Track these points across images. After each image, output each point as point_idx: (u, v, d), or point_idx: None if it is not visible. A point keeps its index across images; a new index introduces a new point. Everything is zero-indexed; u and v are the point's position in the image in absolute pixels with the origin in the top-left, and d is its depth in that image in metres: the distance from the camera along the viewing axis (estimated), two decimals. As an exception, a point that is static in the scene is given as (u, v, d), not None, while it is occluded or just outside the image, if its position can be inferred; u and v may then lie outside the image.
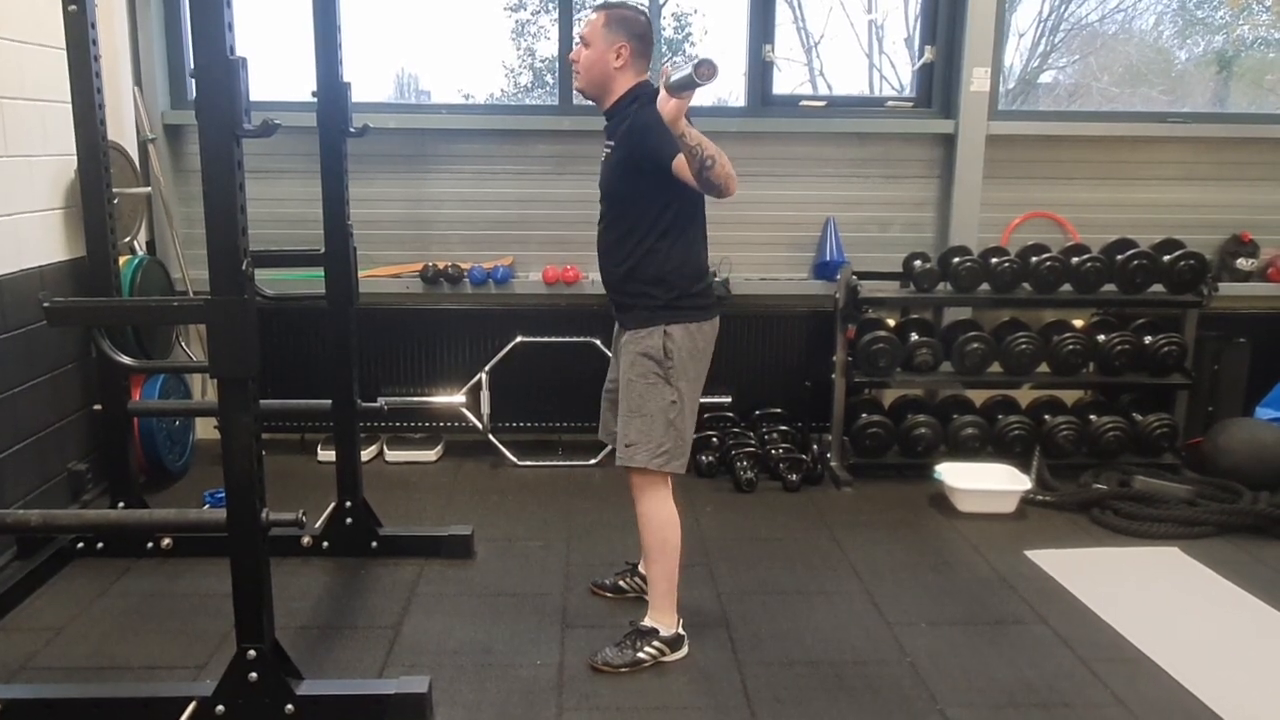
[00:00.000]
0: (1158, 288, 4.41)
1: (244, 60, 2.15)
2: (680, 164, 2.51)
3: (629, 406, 2.77)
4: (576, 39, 2.82)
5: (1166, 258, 4.36)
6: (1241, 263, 4.77)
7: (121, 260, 3.75)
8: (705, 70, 2.19)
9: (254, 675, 2.42)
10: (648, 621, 2.83)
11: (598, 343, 4.51)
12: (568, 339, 4.57)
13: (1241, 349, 4.60)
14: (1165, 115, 4.84)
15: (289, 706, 2.44)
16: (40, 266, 3.56)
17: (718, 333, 2.85)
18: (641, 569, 3.12)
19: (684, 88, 2.28)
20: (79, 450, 3.84)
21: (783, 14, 4.78)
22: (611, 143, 2.79)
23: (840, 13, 5.29)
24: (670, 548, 2.81)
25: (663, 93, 2.33)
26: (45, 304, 2.38)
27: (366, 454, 4.51)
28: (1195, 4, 5.68)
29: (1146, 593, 3.35)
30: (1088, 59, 6.01)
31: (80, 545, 3.45)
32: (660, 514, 2.79)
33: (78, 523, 3.25)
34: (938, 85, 4.73)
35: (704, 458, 4.39)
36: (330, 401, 3.47)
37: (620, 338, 2.85)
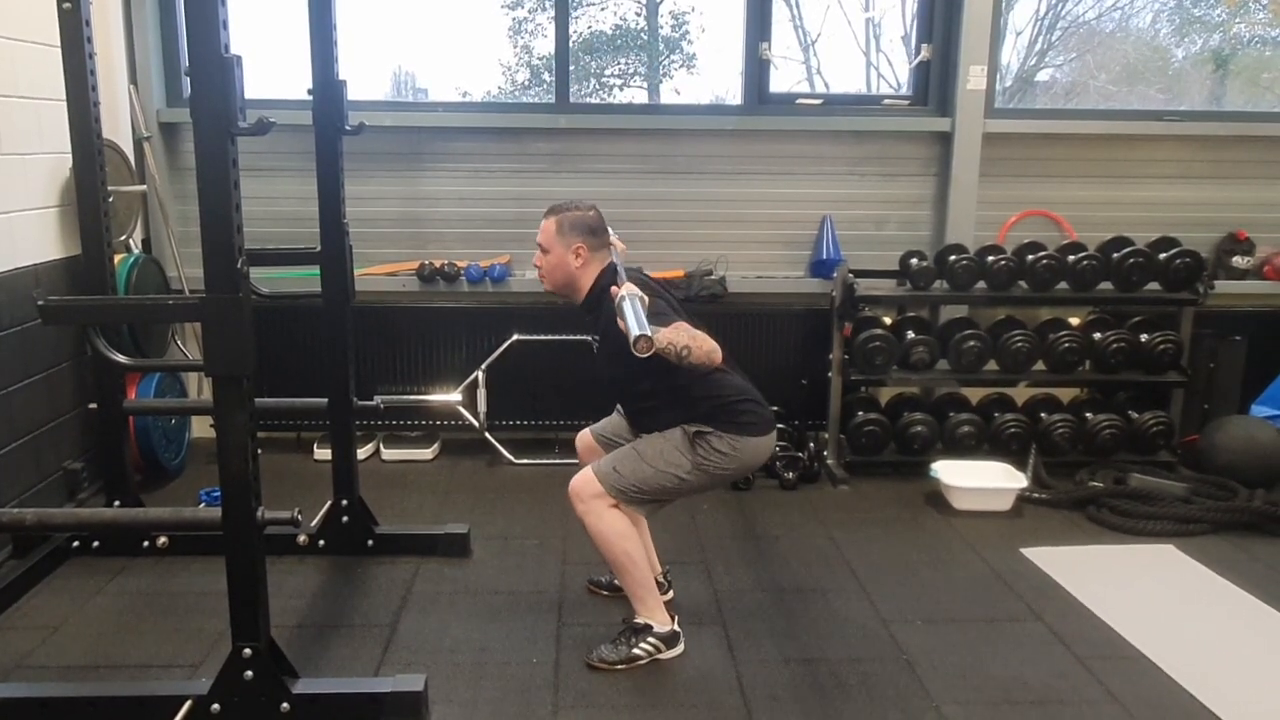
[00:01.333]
0: (1154, 286, 4.41)
1: (239, 58, 2.14)
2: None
3: (646, 446, 2.77)
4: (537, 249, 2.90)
5: (1162, 256, 4.37)
6: (1237, 260, 4.77)
7: (117, 258, 3.74)
8: (642, 345, 2.31)
9: (250, 674, 2.41)
10: (640, 618, 2.83)
11: (594, 340, 4.50)
12: (564, 337, 4.57)
13: (1237, 347, 4.61)
14: (1161, 113, 4.85)
15: (285, 705, 2.44)
16: (35, 265, 3.56)
17: (769, 452, 2.87)
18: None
19: (624, 330, 2.39)
20: (74, 449, 3.83)
21: (780, 12, 4.78)
22: (598, 335, 2.86)
23: (837, 11, 5.29)
24: (634, 557, 2.79)
25: (617, 315, 2.44)
26: (40, 302, 2.38)
27: (363, 452, 4.51)
28: (1192, 2, 5.68)
29: (1142, 590, 3.36)
30: (1085, 57, 6.00)
31: (76, 544, 3.44)
32: (613, 529, 2.75)
33: (73, 521, 3.25)
34: (934, 83, 4.73)
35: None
36: (326, 400, 3.47)
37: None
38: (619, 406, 3.05)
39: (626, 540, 2.76)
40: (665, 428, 2.79)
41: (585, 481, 2.75)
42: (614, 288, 2.55)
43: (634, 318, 2.37)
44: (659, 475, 2.73)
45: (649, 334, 2.32)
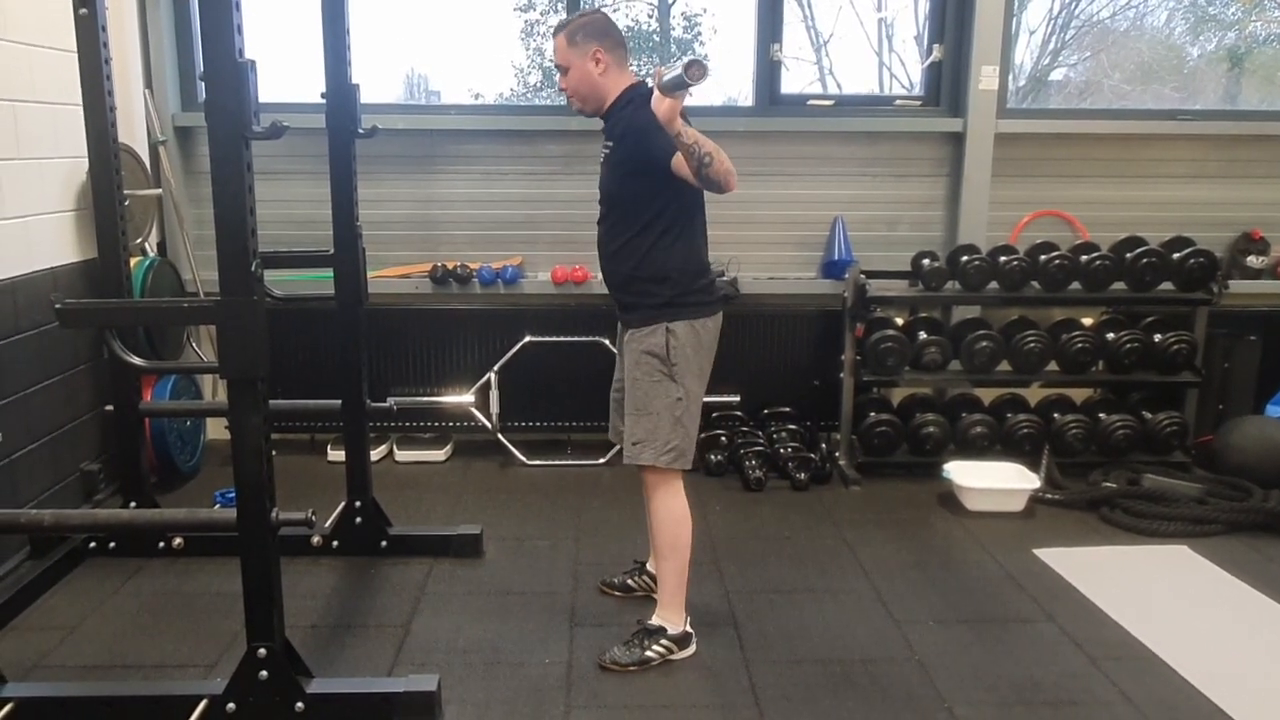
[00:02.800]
0: (1167, 286, 4.39)
1: (253, 63, 2.16)
2: (679, 162, 2.52)
3: (635, 405, 2.77)
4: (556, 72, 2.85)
5: (1176, 255, 4.35)
6: (1252, 260, 4.75)
7: (133, 261, 3.76)
8: (695, 71, 2.22)
9: (264, 674, 2.43)
10: (655, 620, 2.84)
11: (606, 342, 4.52)
12: (576, 338, 4.58)
13: (1252, 347, 4.59)
14: (1175, 112, 4.83)
15: (299, 705, 2.45)
16: (52, 268, 3.59)
17: (721, 328, 2.86)
18: (650, 567, 3.13)
19: (675, 88, 2.30)
20: (91, 450, 3.86)
21: (791, 13, 4.78)
22: (610, 143, 2.81)
23: (849, 11, 5.29)
24: (681, 545, 2.82)
25: (656, 93, 2.35)
26: (57, 305, 2.40)
27: (376, 454, 4.52)
28: (1207, 0, 5.66)
29: (1156, 591, 3.34)
30: (1099, 56, 5.98)
31: (92, 545, 3.47)
32: (674, 511, 2.80)
33: (90, 522, 3.28)
34: (946, 84, 4.72)
35: (713, 456, 4.40)
36: (340, 402, 3.49)
37: (624, 337, 2.86)
38: (606, 280, 2.95)
39: (681, 526, 2.81)
40: (642, 324, 2.75)
41: (651, 474, 2.80)
42: (657, 69, 2.44)
43: (678, 67, 2.28)
44: (662, 414, 2.73)
45: (701, 58, 2.24)
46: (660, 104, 2.35)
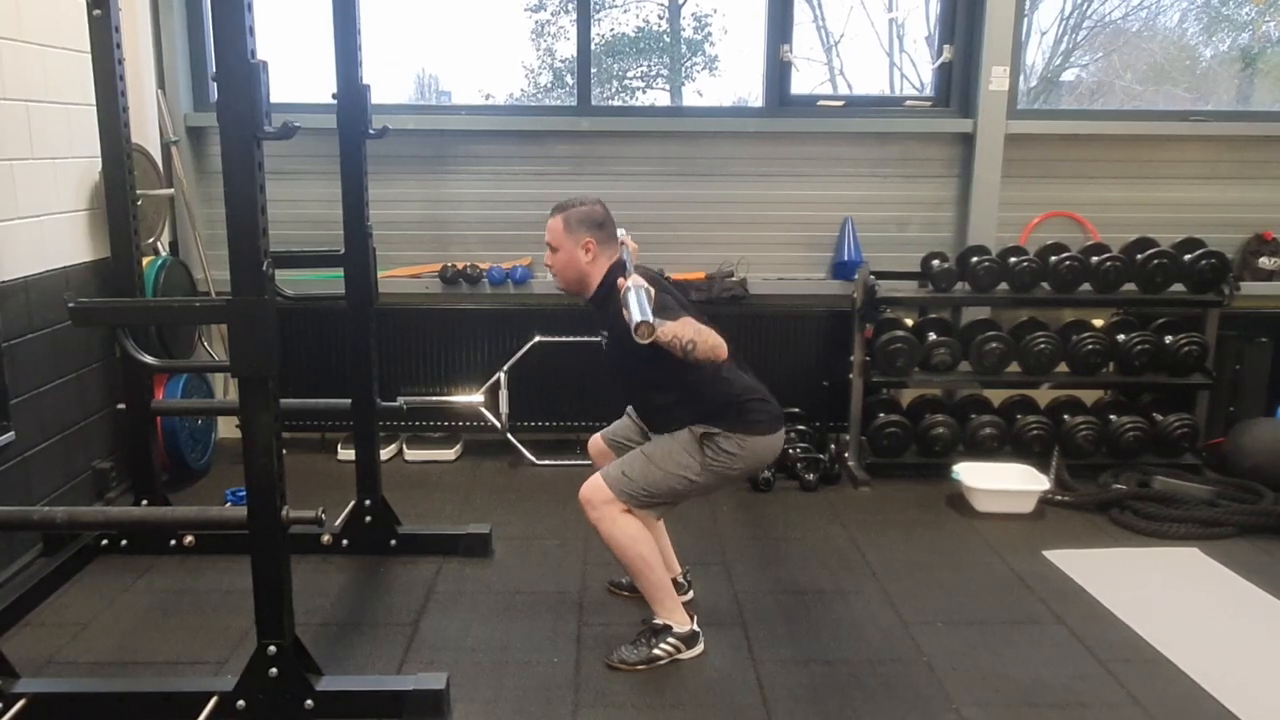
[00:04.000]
0: (1178, 287, 4.38)
1: (265, 63, 2.17)
2: None
3: (654, 449, 2.79)
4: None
5: (1187, 257, 4.33)
6: (1264, 262, 4.73)
7: (145, 261, 3.79)
8: (643, 331, 2.37)
9: (274, 671, 2.44)
10: (660, 619, 2.84)
11: (603, 337, 4.52)
12: (586, 339, 4.58)
13: (1263, 349, 4.57)
14: (1186, 113, 4.81)
15: (309, 702, 2.47)
16: (65, 267, 3.61)
17: (778, 450, 2.89)
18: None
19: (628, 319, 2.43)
20: (103, 448, 3.89)
21: (802, 13, 4.78)
22: (606, 331, 2.87)
23: (860, 12, 5.29)
24: (649, 559, 2.80)
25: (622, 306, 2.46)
26: (70, 304, 2.42)
27: (386, 453, 4.54)
28: (1220, 1, 5.63)
29: (1166, 594, 3.33)
30: (1110, 57, 5.96)
31: (104, 542, 3.49)
32: (625, 534, 2.76)
33: (102, 520, 3.27)
34: (956, 84, 4.72)
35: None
36: (350, 401, 3.50)
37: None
38: (629, 408, 3.07)
39: (640, 544, 2.77)
40: (674, 426, 2.80)
41: (595, 488, 2.77)
42: (621, 280, 2.56)
43: (637, 306, 2.41)
44: (668, 478, 2.74)
45: (651, 320, 2.36)
46: (625, 315, 2.45)
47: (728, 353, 2.59)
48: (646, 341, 2.39)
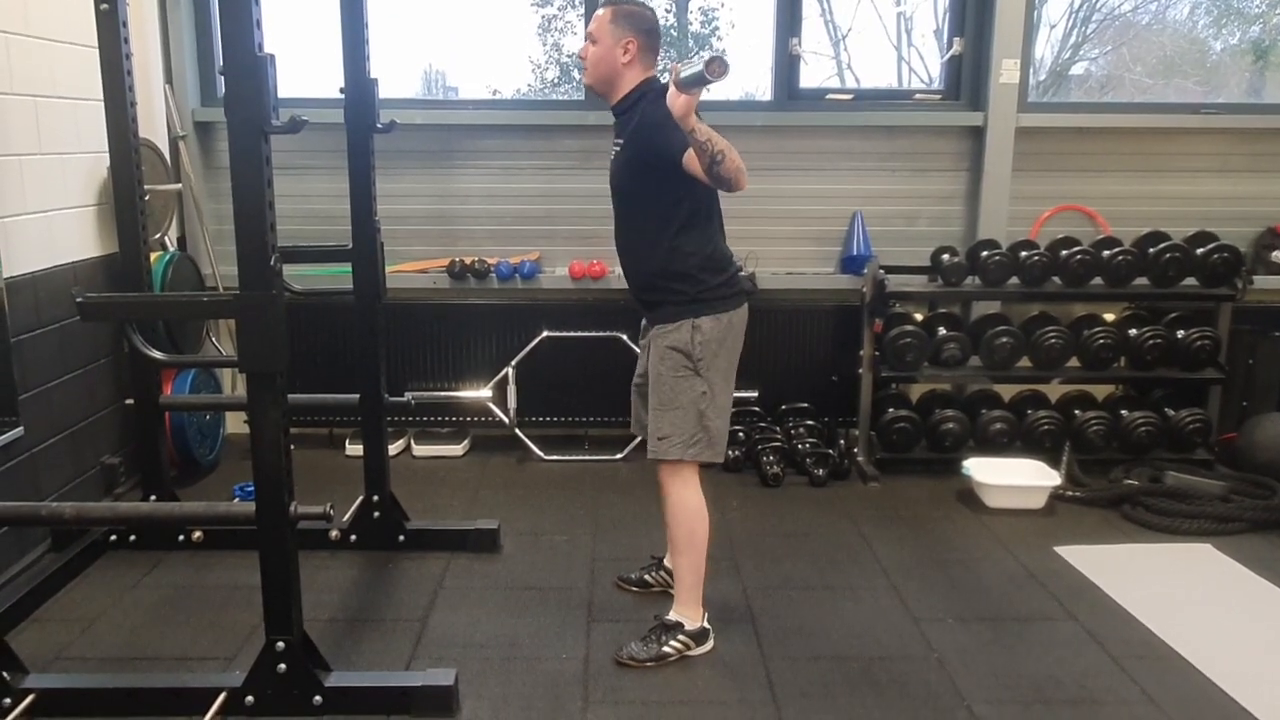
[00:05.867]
0: (1190, 281, 4.35)
1: (272, 57, 2.16)
2: (690, 159, 2.49)
3: (660, 400, 2.76)
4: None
5: (1200, 251, 4.31)
6: (1277, 255, 4.68)
7: (153, 256, 3.79)
8: (716, 67, 2.20)
9: (283, 666, 2.45)
10: (673, 615, 2.84)
11: (624, 337, 4.52)
12: (594, 333, 4.58)
13: (1276, 343, 4.53)
14: (1198, 106, 4.78)
15: (317, 698, 2.47)
16: (73, 262, 3.61)
17: (747, 322, 2.84)
18: (668, 562, 3.12)
19: (694, 84, 2.28)
20: (112, 444, 3.89)
21: (810, 7, 4.75)
22: (620, 140, 2.79)
23: (868, 5, 5.26)
24: (698, 540, 2.81)
25: (672, 89, 2.34)
26: (78, 299, 2.42)
27: (394, 448, 4.54)
28: (1230, -7, 5.60)
29: (1178, 590, 3.31)
30: (1120, 50, 5.93)
31: (113, 538, 3.49)
32: (689, 505, 2.79)
33: (111, 516, 3.29)
34: (966, 77, 4.69)
35: (730, 452, 4.37)
36: (358, 396, 3.49)
37: (649, 331, 2.85)
38: (627, 280, 2.95)
39: (698, 520, 2.79)
40: (666, 321, 2.75)
41: (662, 470, 2.80)
42: (674, 65, 2.42)
43: (697, 62, 2.26)
44: (689, 409, 2.72)
45: (721, 55, 2.21)
46: (676, 99, 2.34)
47: (745, 183, 2.49)
48: (719, 78, 2.21)
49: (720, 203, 2.81)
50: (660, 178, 2.63)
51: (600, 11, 2.75)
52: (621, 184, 2.81)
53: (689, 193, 2.66)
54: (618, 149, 2.81)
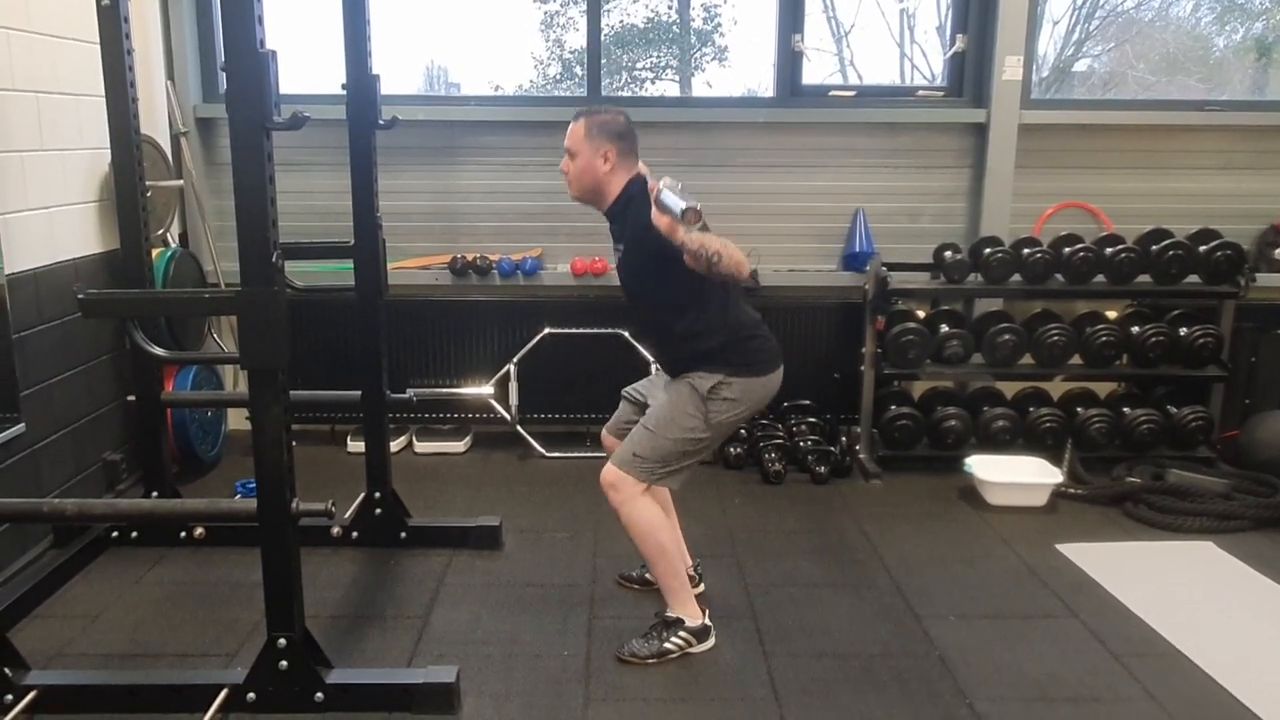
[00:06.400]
0: (1193, 279, 4.34)
1: (274, 53, 2.16)
2: (690, 257, 2.52)
3: (655, 422, 2.77)
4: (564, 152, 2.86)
5: (1203, 248, 4.30)
6: (1279, 253, 4.68)
7: (154, 252, 3.79)
8: (692, 216, 2.31)
9: (284, 663, 2.45)
10: (672, 612, 2.83)
11: (626, 334, 4.52)
12: (596, 330, 4.57)
13: (1279, 341, 4.53)
14: (1202, 103, 4.77)
15: (319, 694, 2.47)
16: (75, 259, 3.61)
17: (779, 386, 2.86)
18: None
19: (674, 218, 2.37)
20: (113, 440, 3.89)
21: (812, 3, 4.75)
22: (621, 246, 2.83)
23: (871, 1, 5.25)
24: (667, 548, 2.80)
25: (654, 209, 2.41)
26: (80, 295, 2.42)
27: (395, 445, 4.54)
28: (1233, -10, 5.59)
29: (1180, 587, 3.31)
30: (1123, 46, 5.92)
31: (115, 534, 3.49)
32: (644, 519, 2.76)
33: (112, 512, 3.30)
34: (969, 74, 4.68)
35: (732, 450, 4.38)
36: (360, 392, 3.49)
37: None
38: (624, 392, 3.05)
39: (659, 531, 2.77)
40: (682, 366, 2.77)
41: (613, 475, 2.76)
42: (652, 182, 2.50)
43: (679, 197, 2.35)
44: (676, 444, 2.73)
45: (697, 206, 2.31)
46: (660, 219, 2.41)
47: (748, 272, 2.54)
48: (695, 226, 2.32)
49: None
50: (669, 275, 2.62)
51: (573, 126, 2.81)
52: (631, 285, 2.87)
53: (698, 276, 2.65)
54: (620, 253, 2.85)
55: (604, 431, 3.13)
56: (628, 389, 3.09)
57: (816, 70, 4.89)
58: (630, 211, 2.70)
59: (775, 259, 4.68)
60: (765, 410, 4.60)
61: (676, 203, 2.35)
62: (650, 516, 2.76)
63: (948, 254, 4.39)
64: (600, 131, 2.77)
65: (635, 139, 2.84)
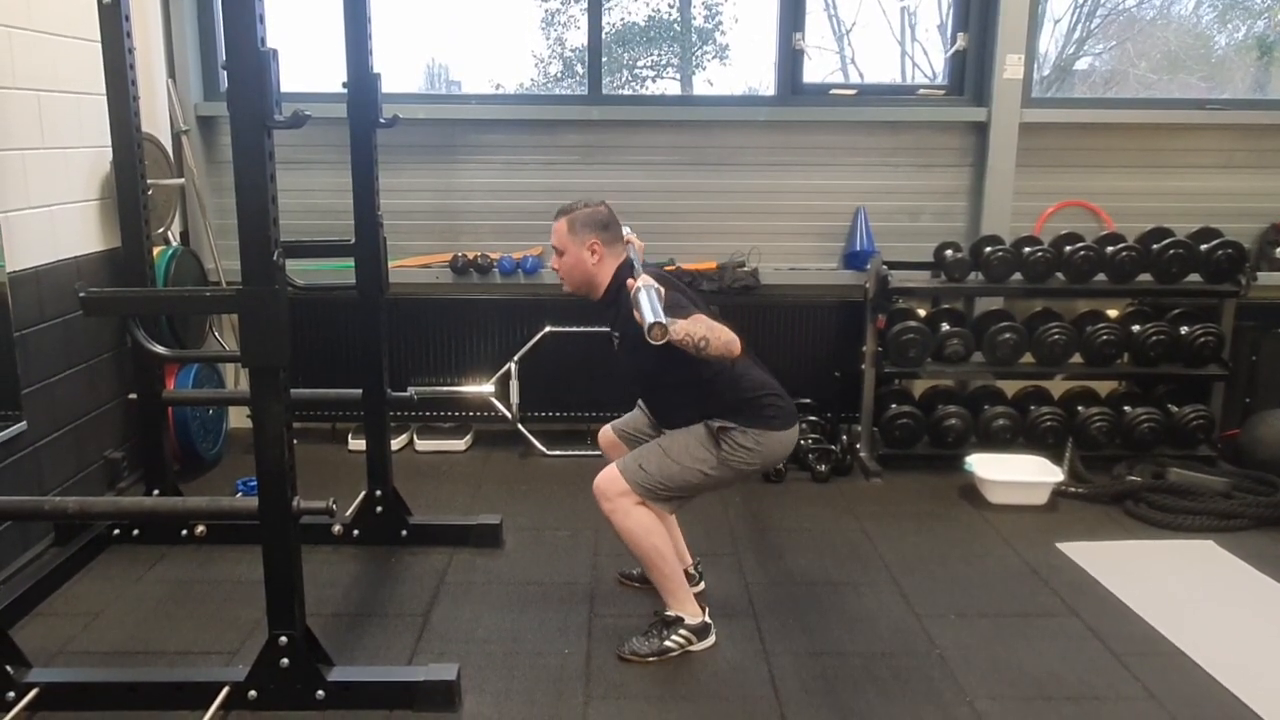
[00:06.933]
0: (1194, 277, 4.34)
1: (275, 52, 2.16)
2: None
3: (669, 444, 2.77)
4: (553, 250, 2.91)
5: (1204, 247, 4.30)
6: (1280, 252, 4.68)
7: (156, 251, 3.79)
8: (657, 332, 2.36)
9: (286, 661, 2.45)
10: (672, 610, 2.84)
11: (614, 337, 4.51)
12: (596, 329, 4.56)
13: (1280, 340, 4.53)
14: (1203, 102, 4.76)
15: (320, 692, 2.47)
16: (76, 257, 3.61)
17: (793, 444, 2.87)
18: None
19: (639, 318, 2.42)
20: (115, 438, 3.89)
21: (813, 1, 4.74)
22: (617, 333, 2.85)
23: (872, 0, 5.25)
24: (662, 551, 2.79)
25: (633, 307, 2.46)
26: (81, 294, 2.42)
27: (396, 443, 4.54)
28: (1234, -12, 5.58)
29: (1181, 586, 3.31)
30: (1125, 45, 5.91)
31: (116, 532, 3.50)
32: (639, 525, 2.75)
33: (114, 510, 3.30)
34: (970, 73, 4.67)
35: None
36: (361, 391, 3.50)
37: None
38: (641, 402, 3.06)
39: (653, 535, 2.76)
40: (688, 424, 2.79)
41: (610, 479, 2.76)
42: (630, 280, 2.56)
43: (649, 306, 2.41)
44: (685, 471, 2.73)
45: (664, 321, 2.36)
46: (636, 316, 2.44)
47: (741, 349, 2.57)
48: (660, 342, 2.38)
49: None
50: (667, 356, 2.60)
51: (556, 225, 2.86)
52: (632, 371, 2.89)
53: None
54: (618, 340, 2.87)
55: (607, 428, 3.12)
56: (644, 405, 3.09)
57: (817, 69, 4.90)
58: (623, 300, 2.69)
59: (776, 257, 4.68)
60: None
61: (646, 315, 2.39)
62: (643, 522, 2.75)
63: (948, 253, 4.39)
64: (583, 226, 2.81)
65: (618, 225, 2.89)
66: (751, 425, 2.74)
